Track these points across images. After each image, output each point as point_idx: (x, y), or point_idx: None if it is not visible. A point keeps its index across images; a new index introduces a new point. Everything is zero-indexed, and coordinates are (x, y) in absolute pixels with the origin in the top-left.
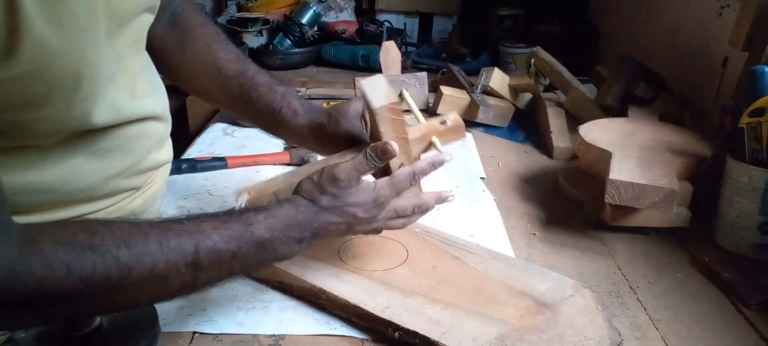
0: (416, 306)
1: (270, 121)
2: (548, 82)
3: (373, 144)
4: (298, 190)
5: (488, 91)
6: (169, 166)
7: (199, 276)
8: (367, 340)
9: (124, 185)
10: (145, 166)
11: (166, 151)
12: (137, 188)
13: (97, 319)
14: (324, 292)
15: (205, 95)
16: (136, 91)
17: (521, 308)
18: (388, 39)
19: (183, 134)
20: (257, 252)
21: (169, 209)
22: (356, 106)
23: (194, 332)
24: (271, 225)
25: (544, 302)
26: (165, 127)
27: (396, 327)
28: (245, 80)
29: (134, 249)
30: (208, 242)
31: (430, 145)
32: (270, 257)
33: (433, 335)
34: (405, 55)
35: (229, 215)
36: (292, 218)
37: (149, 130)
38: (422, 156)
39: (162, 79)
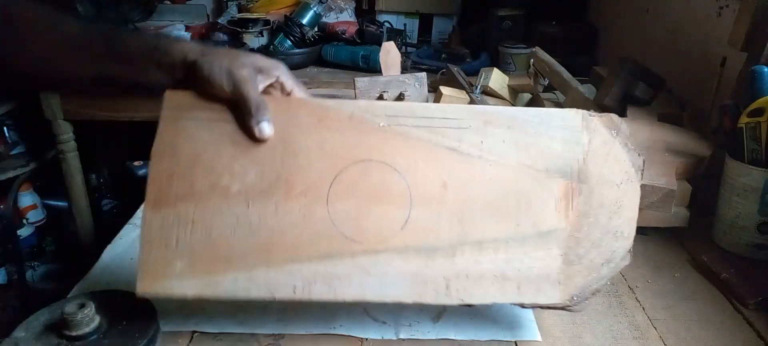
0: (469, 266)
1: (149, 59)
2: (547, 82)
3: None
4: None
5: (488, 92)
6: None
7: None
8: (367, 340)
9: None
10: None
11: None
12: None
13: (97, 318)
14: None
15: (58, 79)
16: None
17: (561, 199)
18: (388, 40)
19: None
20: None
21: None
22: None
23: (193, 332)
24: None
25: (572, 173)
26: None
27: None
28: (103, 41)
29: None
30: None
31: None
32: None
33: (512, 298)
34: (405, 55)
35: None
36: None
37: None
38: None
39: None
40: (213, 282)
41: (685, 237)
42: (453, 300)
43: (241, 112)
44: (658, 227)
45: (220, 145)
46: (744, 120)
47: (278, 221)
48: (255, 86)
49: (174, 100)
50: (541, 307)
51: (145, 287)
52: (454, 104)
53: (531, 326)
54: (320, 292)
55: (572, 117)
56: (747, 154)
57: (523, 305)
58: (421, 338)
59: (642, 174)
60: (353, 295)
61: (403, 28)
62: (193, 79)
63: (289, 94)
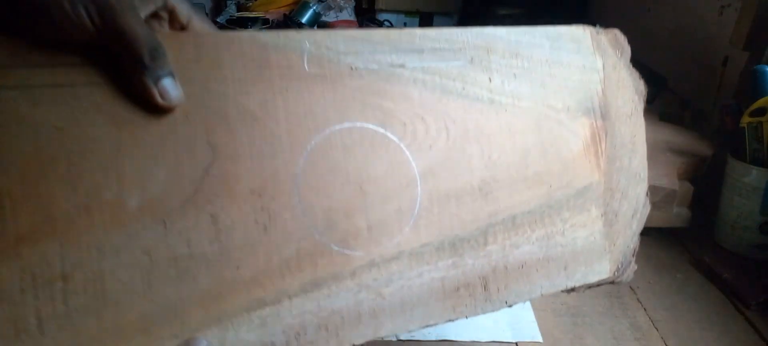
0: (506, 253)
1: None
2: None
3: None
4: None
5: None
6: None
7: None
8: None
9: None
10: None
11: None
12: None
13: None
14: None
15: None
16: None
17: (589, 144)
18: None
19: None
20: None
21: None
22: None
23: None
24: None
25: (594, 108)
26: None
27: None
28: None
29: None
30: None
31: None
32: None
33: (561, 284)
34: None
35: None
36: None
37: None
38: None
39: None
40: None
41: (687, 238)
42: (495, 305)
43: (123, 65)
44: (660, 228)
45: (87, 129)
46: (746, 120)
47: (223, 244)
48: (139, 17)
49: None
50: (591, 286)
51: None
52: (444, 27)
53: (532, 327)
54: (316, 342)
55: (582, 35)
56: (749, 154)
57: (573, 290)
58: (421, 338)
59: (644, 101)
60: (365, 333)
61: (403, 26)
62: (13, 14)
63: (185, 27)
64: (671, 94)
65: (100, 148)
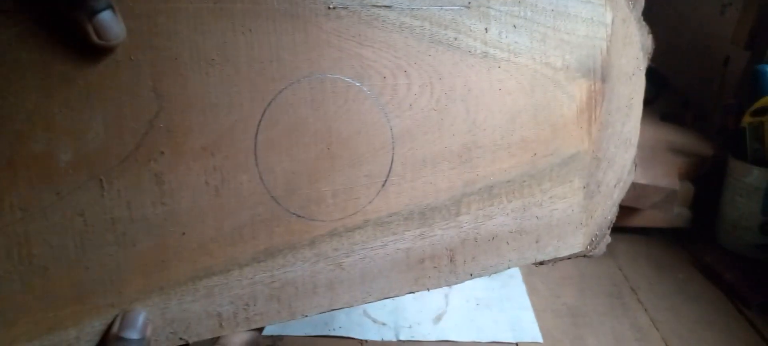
0: (478, 224)
1: None
2: None
3: None
4: None
5: None
6: None
7: None
8: (367, 341)
9: None
10: None
11: None
12: None
13: None
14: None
15: None
16: None
17: (583, 109)
18: None
19: None
20: None
21: None
22: None
23: None
24: None
25: (594, 68)
26: None
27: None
28: None
29: None
30: None
31: None
32: None
33: (530, 257)
34: None
35: None
36: None
37: None
38: None
39: None
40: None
41: (688, 238)
42: (459, 277)
43: None
44: (661, 228)
45: (10, 69)
46: (747, 119)
47: (168, 207)
48: None
49: None
50: (560, 260)
51: None
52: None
53: (533, 328)
54: (266, 313)
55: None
56: (750, 154)
57: (541, 263)
58: (421, 339)
59: (649, 59)
60: (319, 305)
61: None
62: None
63: None
64: (672, 93)
65: (26, 92)
